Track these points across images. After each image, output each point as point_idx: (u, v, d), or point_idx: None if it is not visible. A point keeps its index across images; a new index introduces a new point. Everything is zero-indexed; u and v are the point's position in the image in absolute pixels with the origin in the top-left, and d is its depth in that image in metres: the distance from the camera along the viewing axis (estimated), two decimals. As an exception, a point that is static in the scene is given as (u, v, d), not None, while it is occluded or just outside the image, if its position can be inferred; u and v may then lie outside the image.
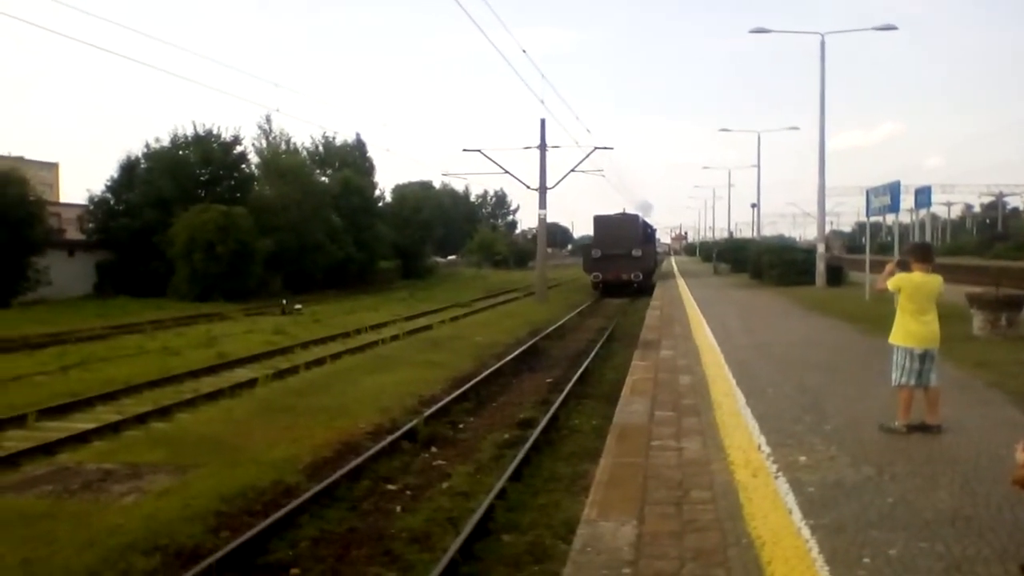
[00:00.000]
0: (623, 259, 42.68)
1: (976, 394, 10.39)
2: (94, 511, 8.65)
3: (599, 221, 46.09)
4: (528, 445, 11.12)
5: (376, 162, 68.60)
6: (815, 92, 33.14)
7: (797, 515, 5.79)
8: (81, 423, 12.92)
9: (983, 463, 7.09)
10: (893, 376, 8.45)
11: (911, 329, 8.41)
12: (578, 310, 34.48)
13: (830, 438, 8.06)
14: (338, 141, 63.81)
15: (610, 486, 6.61)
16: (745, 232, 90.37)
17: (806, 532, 5.46)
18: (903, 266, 8.86)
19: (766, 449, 7.64)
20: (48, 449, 11.24)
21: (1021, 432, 4.91)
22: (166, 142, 44.90)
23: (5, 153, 52.98)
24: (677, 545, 5.28)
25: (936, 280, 8.55)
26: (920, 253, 8.77)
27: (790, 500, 6.12)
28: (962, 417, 8.78)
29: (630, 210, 50.81)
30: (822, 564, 4.94)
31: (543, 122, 40.87)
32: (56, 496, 9.16)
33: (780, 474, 6.80)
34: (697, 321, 20.51)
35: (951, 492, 6.31)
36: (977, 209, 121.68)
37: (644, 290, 40.82)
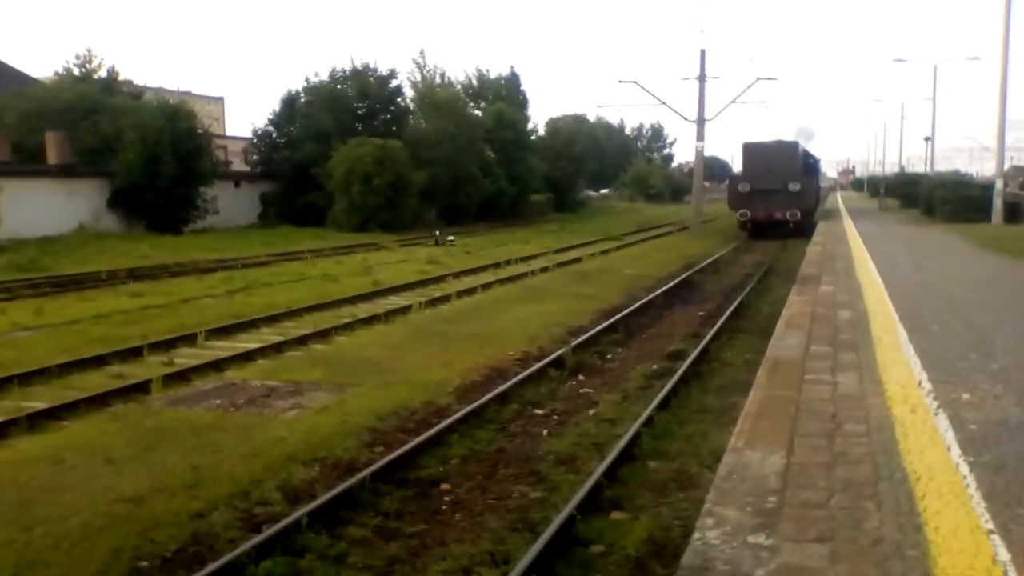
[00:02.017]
0: (777, 195, 36.78)
1: None
2: (258, 424, 9.15)
3: (750, 149, 39.79)
4: (677, 376, 11.04)
5: (530, 95, 68.53)
6: (999, 17, 30.85)
7: (955, 452, 5.53)
8: (246, 343, 13.60)
9: None
10: None
11: None
12: (734, 245, 33.76)
13: (996, 377, 7.63)
14: (492, 75, 63.98)
15: (759, 417, 6.47)
16: (918, 167, 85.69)
17: (964, 469, 5.21)
18: None
19: (927, 386, 7.30)
20: (216, 366, 11.87)
21: None
22: (325, 77, 46.03)
23: (174, 87, 55.53)
24: (826, 476, 5.13)
25: None
26: None
27: (949, 437, 5.84)
28: None
29: (788, 138, 43.52)
30: (979, 500, 4.71)
31: (703, 52, 39.86)
32: (223, 409, 9.73)
33: (940, 411, 6.49)
34: (861, 257, 19.70)
35: None
36: None
37: (802, 231, 35.43)
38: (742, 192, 37.83)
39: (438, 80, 56.09)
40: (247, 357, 12.51)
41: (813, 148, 73.04)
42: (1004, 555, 4.05)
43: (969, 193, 36.43)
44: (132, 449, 8.18)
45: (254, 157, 45.80)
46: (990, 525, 4.38)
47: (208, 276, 22.52)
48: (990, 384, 7.37)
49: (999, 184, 33.06)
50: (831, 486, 4.98)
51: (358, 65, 45.94)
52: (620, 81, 69.03)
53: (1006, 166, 39.53)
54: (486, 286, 20.59)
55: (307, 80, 46.38)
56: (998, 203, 31.60)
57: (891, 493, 4.85)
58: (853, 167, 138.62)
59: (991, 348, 8.97)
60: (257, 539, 6.13)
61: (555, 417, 9.86)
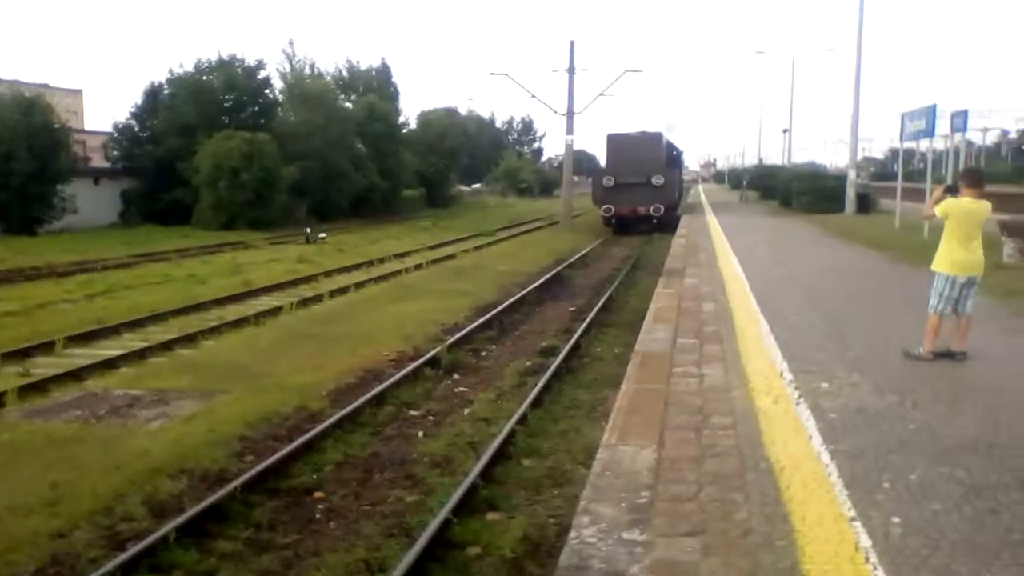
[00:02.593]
0: (641, 189, 35.61)
1: (1004, 323, 10.29)
2: (121, 436, 8.81)
3: (613, 141, 38.08)
4: (549, 372, 11.16)
5: (401, 87, 68.13)
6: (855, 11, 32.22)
7: (817, 440, 5.77)
8: (108, 350, 13.06)
9: (1007, 391, 7.04)
10: (931, 303, 8.36)
11: (957, 257, 8.29)
12: (602, 239, 34.31)
13: (853, 365, 7.99)
14: (363, 66, 63.26)
15: (630, 412, 6.60)
16: (777, 159, 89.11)
17: (826, 457, 5.44)
18: (951, 192, 8.65)
19: (788, 376, 7.60)
20: (76, 375, 11.36)
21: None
22: (190, 68, 44.54)
23: (30, 80, 52.82)
24: (696, 470, 5.28)
25: (985, 206, 8.36)
26: (971, 178, 8.60)
27: (810, 426, 6.09)
28: (988, 346, 8.67)
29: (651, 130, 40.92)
30: (841, 488, 4.93)
31: (572, 44, 40.32)
32: (84, 421, 9.33)
33: (801, 400, 6.77)
34: (723, 249, 20.34)
35: (974, 419, 6.26)
36: (1013, 135, 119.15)
37: (667, 226, 33.86)
38: (606, 187, 36.55)
39: (308, 72, 54.94)
40: (109, 365, 12.02)
41: (676, 139, 73.45)
42: (866, 541, 4.25)
43: (824, 184, 37.77)
44: (-15, 466, 7.75)
45: (115, 152, 43.88)
46: (852, 513, 4.60)
47: (66, 279, 21.48)
48: (847, 372, 7.72)
49: (852, 175, 34.65)
50: (701, 479, 5.12)
51: (224, 56, 44.62)
52: (492, 73, 69.41)
53: (859, 157, 41.38)
54: (359, 285, 20.36)
55: (171, 71, 44.77)
56: (851, 194, 33.10)
57: (758, 484, 5.02)
58: (714, 160, 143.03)
59: (847, 337, 9.39)
60: (122, 557, 5.91)
61: (431, 418, 9.83)
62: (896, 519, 4.50)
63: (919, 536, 4.29)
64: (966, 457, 5.44)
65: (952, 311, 8.30)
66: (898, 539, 4.26)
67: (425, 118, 68.81)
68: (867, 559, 4.06)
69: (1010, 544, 4.18)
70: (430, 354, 12.25)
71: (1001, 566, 3.97)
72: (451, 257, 27.73)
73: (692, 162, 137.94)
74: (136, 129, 43.91)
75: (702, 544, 4.23)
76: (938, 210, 8.38)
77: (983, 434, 5.90)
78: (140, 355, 12.66)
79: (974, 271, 8.31)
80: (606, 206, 36.71)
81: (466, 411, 10.05)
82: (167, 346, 13.24)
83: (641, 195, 35.64)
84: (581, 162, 43.58)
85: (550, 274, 22.24)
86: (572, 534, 4.41)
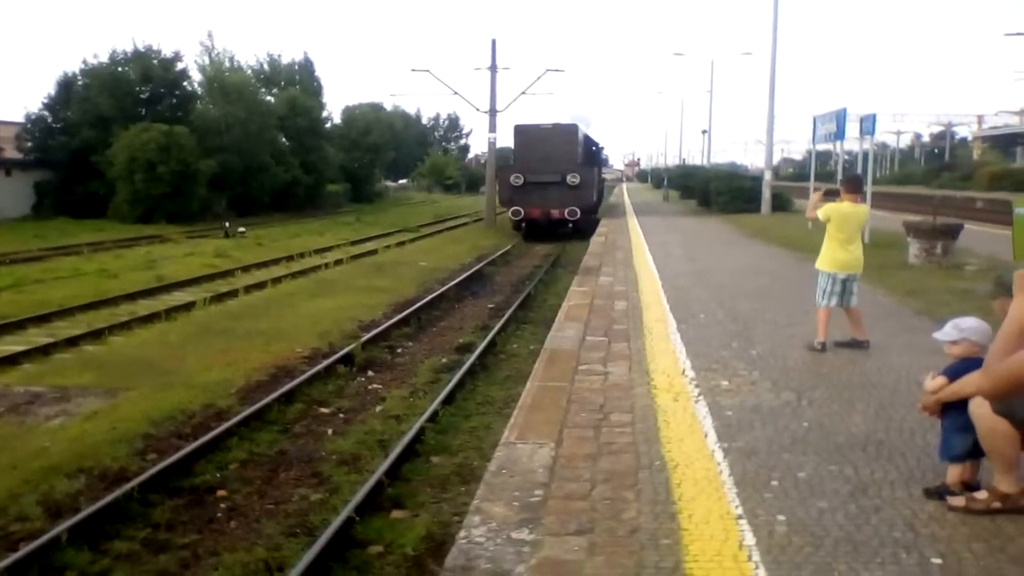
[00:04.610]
0: (554, 189, 31.66)
1: (903, 321, 10.60)
2: (19, 434, 8.60)
3: (522, 134, 33.37)
4: (464, 369, 11.17)
5: (324, 82, 67.39)
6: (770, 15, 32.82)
7: (712, 438, 5.89)
8: (10, 345, 12.68)
9: (901, 389, 7.24)
10: (816, 297, 8.97)
11: (837, 257, 8.87)
12: (524, 236, 34.35)
13: (754, 363, 8.19)
14: (284, 60, 62.43)
15: (532, 409, 6.66)
16: (698, 159, 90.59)
17: (719, 455, 5.56)
18: (831, 196, 9.25)
19: (690, 374, 7.74)
20: (-26, 372, 11.02)
21: (943, 359, 4.99)
22: (104, 59, 43.47)
23: (-63, 68, 50.93)
24: (591, 468, 5.34)
25: (863, 210, 9.18)
26: (850, 184, 9.28)
27: (707, 424, 6.21)
28: (886, 343, 8.97)
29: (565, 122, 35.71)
30: (731, 486, 5.03)
31: (494, 42, 40.21)
32: (-20, 419, 9.05)
33: (700, 398, 6.90)
34: (640, 248, 20.61)
35: (866, 417, 6.44)
36: (926, 139, 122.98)
37: (583, 231, 30.64)
38: (514, 185, 32.32)
39: (227, 64, 53.97)
40: (10, 361, 11.65)
41: (597, 135, 72.35)
42: (750, 539, 4.34)
43: (741, 184, 38.56)
44: None
45: (28, 143, 42.60)
46: (739, 510, 4.69)
47: (-30, 273, 20.79)
48: (748, 371, 7.90)
49: (767, 176, 35.38)
50: (594, 477, 5.19)
51: (140, 47, 43.67)
52: (413, 70, 68.94)
53: (776, 158, 42.21)
54: (276, 280, 20.10)
55: (84, 62, 43.73)
56: (767, 194, 33.79)
57: (650, 482, 5.11)
58: (638, 159, 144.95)
59: (751, 335, 9.61)
60: (12, 558, 5.76)
61: (341, 415, 9.75)
62: (782, 517, 4.60)
63: (803, 534, 4.39)
64: (855, 454, 5.60)
65: (839, 305, 8.85)
66: (782, 537, 4.36)
67: (349, 113, 68.30)
68: (750, 557, 4.14)
69: (890, 542, 4.30)
70: (344, 351, 12.16)
71: (879, 564, 4.08)
72: (372, 253, 27.56)
73: (617, 161, 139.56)
74: (49, 120, 42.78)
75: (588, 543, 4.28)
76: (820, 213, 8.97)
77: (874, 431, 6.07)
78: (44, 351, 12.30)
79: (853, 269, 8.90)
80: (514, 208, 32.62)
81: (378, 408, 10.00)
82: (72, 342, 12.90)
83: (554, 196, 31.67)
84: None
85: (471, 271, 22.27)
86: (461, 534, 4.43)
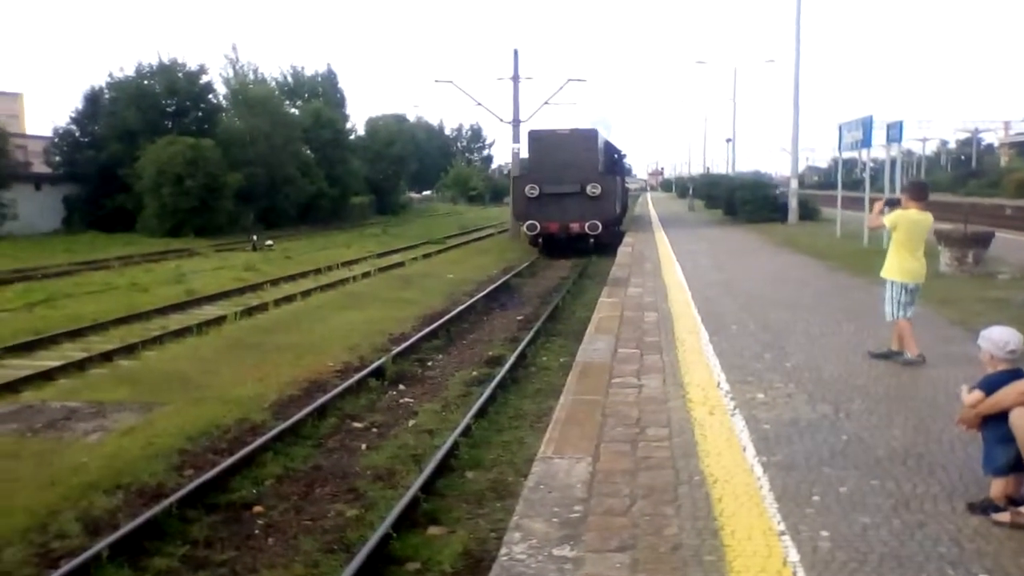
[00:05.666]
0: (573, 200, 28.75)
1: (939, 331, 10.47)
2: (57, 449, 8.67)
3: (538, 140, 30.28)
4: (495, 383, 11.18)
5: (348, 94, 67.78)
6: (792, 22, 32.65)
7: (751, 452, 5.85)
8: (45, 360, 12.82)
9: (940, 401, 7.15)
10: (888, 310, 8.82)
11: (907, 265, 8.72)
12: (551, 248, 34.26)
13: (789, 375, 8.13)
14: (308, 72, 62.87)
15: (568, 423, 6.64)
16: (723, 168, 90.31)
17: (758, 470, 5.52)
18: (893, 204, 9.09)
19: (725, 387, 7.70)
20: (12, 387, 11.13)
21: (980, 371, 4.95)
22: (131, 72, 43.97)
23: (-33, 84, 51.69)
24: (630, 483, 5.32)
25: (929, 218, 8.82)
26: (916, 191, 9.04)
27: (744, 437, 6.18)
28: (923, 354, 8.86)
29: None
30: (771, 501, 4.99)
31: (516, 53, 40.21)
32: (19, 434, 9.19)
33: (737, 412, 6.86)
34: (667, 258, 20.55)
35: (905, 430, 6.37)
36: (952, 146, 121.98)
37: (605, 246, 28.02)
38: (529, 197, 29.24)
39: (251, 77, 54.50)
40: (46, 376, 11.80)
41: (617, 140, 70.35)
42: (794, 556, 4.30)
43: (766, 193, 38.17)
44: (-86, 484, 7.58)
45: (56, 158, 43.17)
46: (781, 526, 4.65)
47: (4, 288, 21.03)
48: (783, 383, 7.84)
49: (794, 184, 35.18)
50: (634, 493, 5.16)
51: (166, 60, 44.15)
52: (436, 81, 69.13)
53: (801, 167, 41.99)
54: (306, 293, 20.21)
55: (111, 76, 44.28)
56: (793, 203, 33.61)
57: (690, 497, 5.08)
58: (662, 168, 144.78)
59: (785, 346, 9.55)
60: (54, 576, 5.81)
61: (374, 430, 9.79)
62: (825, 532, 4.56)
63: (847, 550, 4.34)
64: (896, 468, 5.55)
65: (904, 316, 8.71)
66: (826, 553, 4.32)
67: (373, 124, 68.59)
68: (795, 574, 4.11)
69: (935, 557, 4.25)
70: (375, 365, 12.20)
71: (925, 580, 4.04)
72: (399, 265, 27.64)
73: (641, 170, 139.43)
74: (77, 134, 43.35)
75: (631, 559, 4.26)
76: (887, 221, 8.80)
77: (914, 444, 6.02)
78: (79, 366, 12.44)
79: (920, 279, 8.81)
80: (530, 222, 29.28)
81: (411, 422, 10.03)
82: (107, 357, 13.03)
83: (573, 209, 28.75)
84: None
85: (498, 282, 22.28)
86: (503, 551, 4.42)
